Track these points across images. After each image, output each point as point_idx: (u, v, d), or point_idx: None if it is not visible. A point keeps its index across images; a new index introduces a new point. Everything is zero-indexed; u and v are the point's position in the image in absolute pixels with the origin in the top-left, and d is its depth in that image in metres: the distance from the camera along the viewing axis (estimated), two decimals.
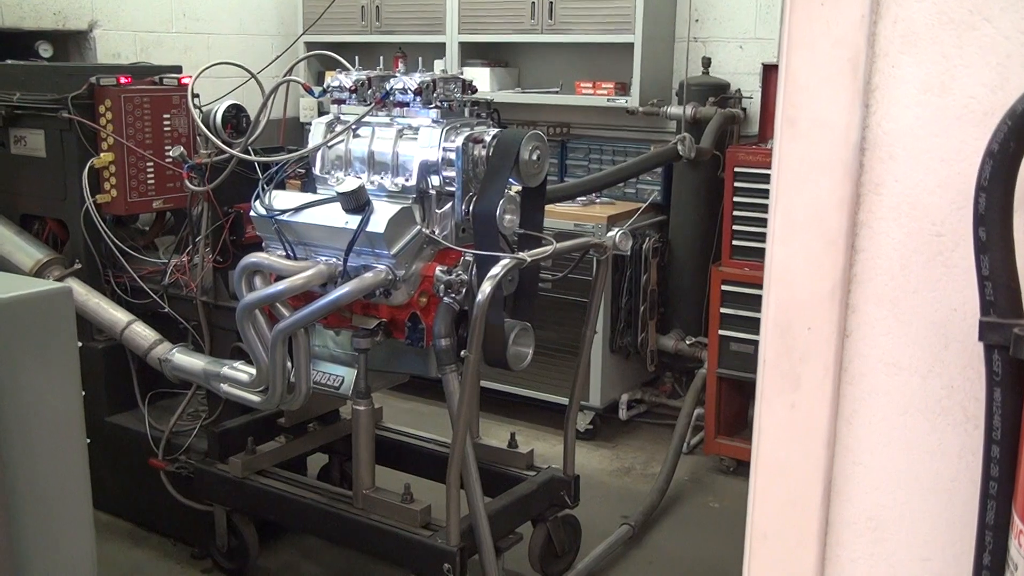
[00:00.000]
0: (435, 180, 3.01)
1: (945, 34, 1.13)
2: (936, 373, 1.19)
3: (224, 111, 3.49)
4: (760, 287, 4.53)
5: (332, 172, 3.20)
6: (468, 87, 3.17)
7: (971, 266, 1.08)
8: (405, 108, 3.10)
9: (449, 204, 3.04)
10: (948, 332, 1.18)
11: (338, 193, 2.94)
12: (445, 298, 2.93)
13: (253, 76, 3.50)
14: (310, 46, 5.43)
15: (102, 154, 3.60)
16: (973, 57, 1.12)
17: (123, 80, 3.62)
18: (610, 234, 3.34)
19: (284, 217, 3.08)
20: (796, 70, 1.22)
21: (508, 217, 2.98)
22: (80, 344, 2.61)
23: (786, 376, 1.27)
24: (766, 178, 4.11)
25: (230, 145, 3.30)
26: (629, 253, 4.47)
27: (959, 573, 1.19)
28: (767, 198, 4.57)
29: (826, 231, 1.22)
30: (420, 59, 3.28)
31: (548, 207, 3.44)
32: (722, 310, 4.33)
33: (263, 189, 3.15)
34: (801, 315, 1.25)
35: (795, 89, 1.22)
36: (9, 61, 4.12)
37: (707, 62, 4.84)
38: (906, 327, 1.21)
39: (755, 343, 4.44)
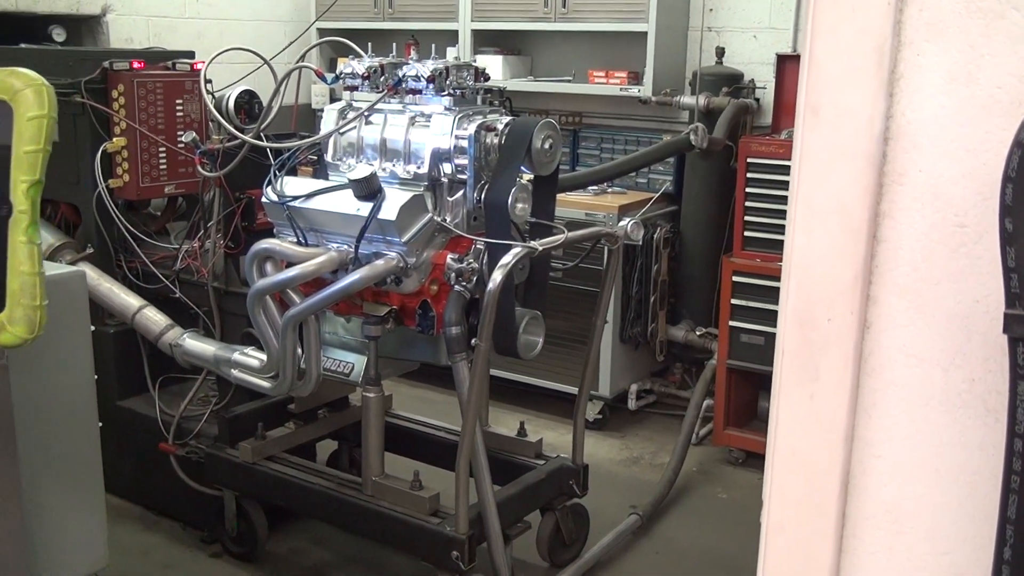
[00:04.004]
0: (447, 168, 3.00)
1: (972, 22, 1.12)
2: (957, 365, 1.18)
3: (236, 97, 3.49)
4: (771, 278, 4.48)
5: (344, 159, 3.19)
6: (481, 75, 3.16)
7: (995, 258, 1.07)
8: (417, 95, 3.09)
9: (461, 192, 3.03)
10: (970, 324, 1.17)
11: (350, 180, 2.93)
12: (456, 286, 2.92)
13: (266, 62, 3.49)
14: (323, 32, 5.41)
15: (115, 139, 3.59)
16: (1001, 46, 1.10)
17: (136, 65, 3.61)
18: (621, 224, 3.33)
19: (296, 203, 3.07)
20: (820, 58, 1.20)
21: (520, 205, 2.97)
22: (92, 328, 2.62)
23: (805, 367, 1.26)
24: (779, 169, 4.14)
25: (242, 131, 3.29)
26: (640, 243, 4.45)
27: (978, 567, 1.18)
28: (780, 189, 4.53)
29: (848, 221, 1.21)
30: (433, 46, 3.26)
31: (560, 196, 3.43)
32: (733, 301, 4.31)
33: (275, 175, 3.15)
34: (821, 305, 1.24)
35: (818, 77, 1.21)
36: (23, 45, 4.13)
37: (721, 52, 4.82)
38: (928, 319, 1.19)
39: (766, 334, 4.43)
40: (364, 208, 2.92)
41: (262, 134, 3.30)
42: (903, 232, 1.19)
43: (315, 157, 3.30)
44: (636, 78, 4.92)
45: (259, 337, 3.13)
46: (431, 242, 3.00)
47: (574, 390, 3.72)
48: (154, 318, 3.49)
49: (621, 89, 4.94)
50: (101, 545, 2.69)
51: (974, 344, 1.17)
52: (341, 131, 3.16)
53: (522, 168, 2.99)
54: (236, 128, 3.30)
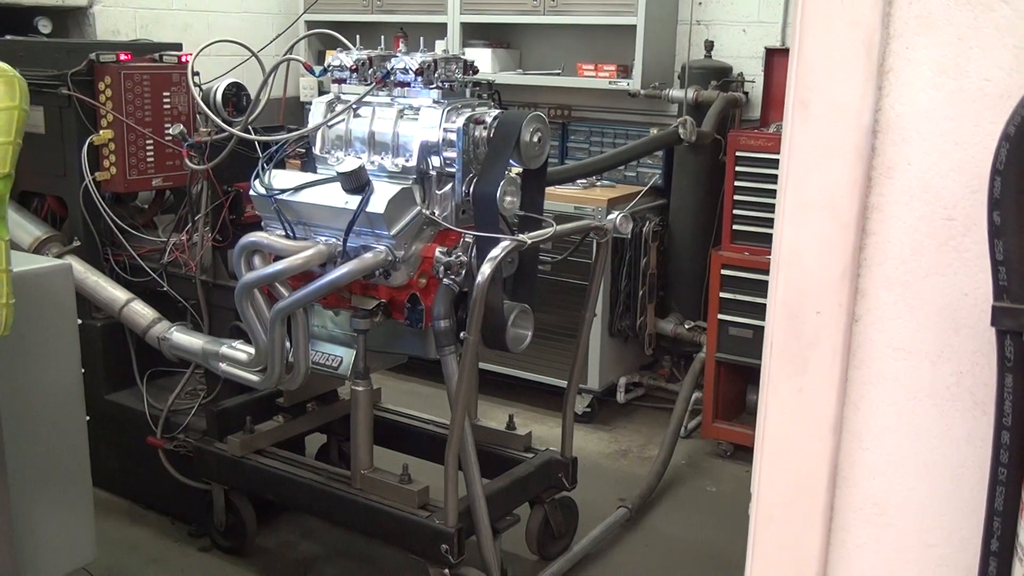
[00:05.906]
0: (436, 161, 3.00)
1: (961, 15, 1.12)
2: (945, 359, 1.19)
3: (224, 89, 3.47)
4: (760, 272, 4.48)
5: (332, 152, 3.18)
6: (469, 68, 3.15)
7: (983, 251, 1.08)
8: (406, 88, 3.08)
9: (449, 185, 3.02)
10: (958, 317, 1.17)
11: (338, 173, 2.92)
12: (445, 279, 2.92)
13: (254, 54, 3.48)
14: (311, 25, 5.39)
15: (101, 131, 3.57)
16: (990, 38, 1.11)
17: (123, 57, 3.59)
18: (610, 217, 3.33)
19: (284, 197, 3.06)
20: (809, 51, 1.20)
21: (509, 199, 2.96)
22: (79, 322, 2.60)
23: (794, 360, 1.26)
24: (767, 162, 4.15)
25: (230, 124, 3.27)
26: (629, 236, 4.46)
27: (966, 559, 1.19)
28: (768, 183, 4.53)
29: (837, 214, 1.21)
30: (421, 39, 3.25)
31: (548, 189, 3.43)
32: (721, 294, 4.32)
33: (263, 168, 3.13)
34: (810, 299, 1.24)
35: (808, 71, 1.21)
36: (8, 37, 4.09)
37: (710, 45, 4.82)
38: (916, 312, 1.20)
39: (754, 328, 4.44)
40: (352, 201, 2.91)
41: (250, 127, 3.29)
42: (892, 225, 1.20)
43: (303, 150, 3.29)
44: (625, 71, 4.91)
45: (247, 331, 3.12)
46: (419, 235, 3.00)
47: (563, 383, 3.72)
48: (141, 312, 3.47)
49: (610, 82, 4.94)
50: (89, 539, 2.68)
51: (962, 337, 1.17)
52: (329, 124, 3.15)
53: (511, 161, 2.99)
54: (224, 121, 3.29)
